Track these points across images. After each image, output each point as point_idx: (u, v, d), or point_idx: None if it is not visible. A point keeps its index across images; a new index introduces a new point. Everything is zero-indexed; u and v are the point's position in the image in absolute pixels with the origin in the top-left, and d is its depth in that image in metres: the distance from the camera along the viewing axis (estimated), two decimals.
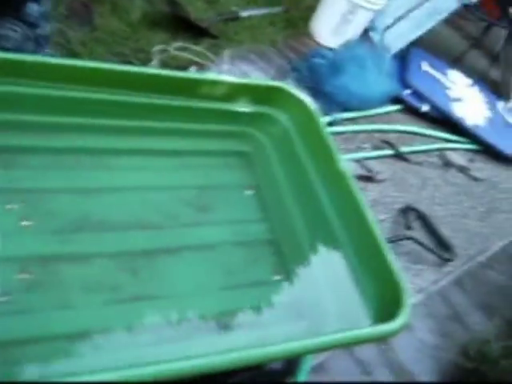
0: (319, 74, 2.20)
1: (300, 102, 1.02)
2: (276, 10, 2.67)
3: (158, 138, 0.94)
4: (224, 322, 0.68)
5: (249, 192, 0.95)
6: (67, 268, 0.69)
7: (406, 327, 0.68)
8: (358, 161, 2.01)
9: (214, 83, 0.92)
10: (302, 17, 2.74)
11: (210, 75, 0.94)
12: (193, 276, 0.76)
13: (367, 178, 1.95)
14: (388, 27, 2.64)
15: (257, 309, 0.72)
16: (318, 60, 2.29)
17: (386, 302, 0.71)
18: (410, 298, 0.71)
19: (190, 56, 1.94)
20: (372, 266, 0.78)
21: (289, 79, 2.06)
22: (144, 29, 2.12)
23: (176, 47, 2.01)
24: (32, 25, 1.18)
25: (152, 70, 0.91)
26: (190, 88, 0.94)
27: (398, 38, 2.56)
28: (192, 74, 0.86)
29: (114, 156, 0.90)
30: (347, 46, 2.32)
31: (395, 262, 0.77)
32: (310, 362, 0.83)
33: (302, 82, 2.14)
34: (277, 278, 0.80)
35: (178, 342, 0.64)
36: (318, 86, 2.13)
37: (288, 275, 0.80)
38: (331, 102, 2.11)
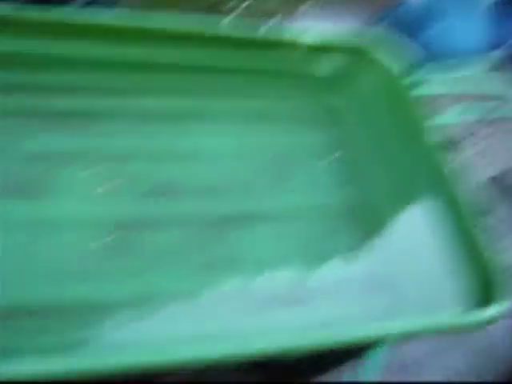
0: (412, 20, 2.03)
1: (383, 66, 0.94)
2: None
3: (238, 100, 0.92)
4: (298, 296, 0.66)
5: (329, 158, 0.91)
6: (147, 234, 0.70)
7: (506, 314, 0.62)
8: (442, 127, 1.87)
9: (291, 44, 0.87)
10: None
11: (287, 35, 0.88)
12: (267, 246, 0.74)
13: (451, 145, 1.81)
14: None
15: (333, 283, 0.70)
16: (406, 10, 2.11)
17: (481, 285, 0.65)
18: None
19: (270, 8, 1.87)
20: (463, 243, 0.71)
21: (379, 28, 1.92)
22: None
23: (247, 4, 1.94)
24: None
25: (223, 30, 0.87)
26: (265, 49, 0.90)
27: None
28: (266, 34, 0.82)
29: (195, 121, 0.89)
30: None
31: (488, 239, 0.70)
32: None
33: (392, 31, 1.99)
34: (357, 250, 0.76)
35: (251, 314, 0.63)
36: (411, 35, 1.97)
37: (369, 248, 0.76)
38: (426, 52, 1.95)
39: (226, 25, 0.91)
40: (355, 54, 0.90)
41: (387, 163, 0.84)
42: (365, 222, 0.80)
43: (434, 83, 1.93)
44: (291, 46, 0.85)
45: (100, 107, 0.79)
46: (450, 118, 1.87)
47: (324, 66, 0.91)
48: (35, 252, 0.62)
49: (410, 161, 0.81)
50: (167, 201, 0.74)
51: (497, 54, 2.13)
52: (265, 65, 0.86)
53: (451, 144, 1.80)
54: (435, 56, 2.01)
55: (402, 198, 0.82)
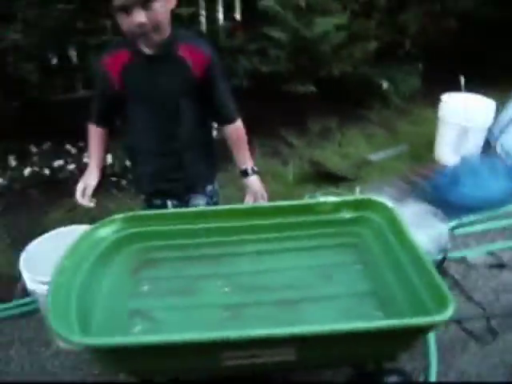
0: (441, 187, 2.63)
1: (386, 207, 1.55)
2: (401, 149, 3.25)
3: (293, 241, 1.55)
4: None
5: (357, 267, 1.46)
6: (253, 309, 1.29)
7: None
8: (490, 253, 2.30)
9: (324, 203, 1.55)
10: (426, 149, 3.25)
11: (318, 200, 1.57)
12: (317, 313, 1.28)
13: (500, 266, 2.21)
14: (504, 133, 2.99)
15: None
16: (439, 178, 2.74)
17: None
18: None
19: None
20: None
21: (410, 197, 2.53)
22: (297, 186, 2.88)
23: (321, 193, 2.69)
24: (211, 198, 1.92)
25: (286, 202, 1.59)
26: (313, 209, 1.56)
27: None
28: (306, 200, 1.51)
29: (272, 256, 1.52)
30: (463, 159, 2.74)
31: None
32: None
33: (425, 198, 2.59)
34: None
35: None
36: (441, 198, 2.55)
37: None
38: (454, 208, 2.49)
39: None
40: (368, 201, 1.55)
41: (397, 271, 1.37)
42: (376, 300, 1.32)
43: (468, 227, 2.43)
44: (325, 203, 1.53)
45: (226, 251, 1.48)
46: (472, 253, 2.28)
47: (349, 212, 1.56)
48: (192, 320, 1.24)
49: (411, 268, 1.33)
50: (261, 293, 1.34)
51: None
52: (312, 218, 1.54)
53: (501, 263, 2.16)
54: (468, 208, 2.54)
55: (408, 294, 1.31)
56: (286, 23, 2.79)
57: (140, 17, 1.37)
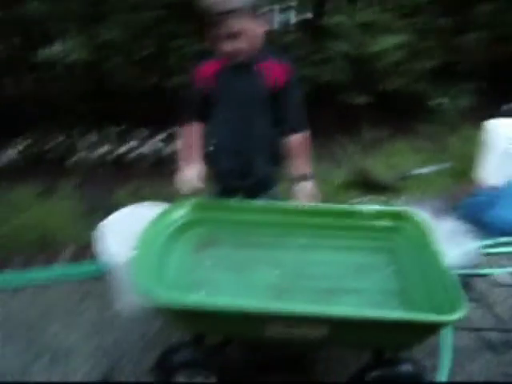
0: (479, 207, 2.78)
1: (417, 220, 1.77)
2: (444, 166, 3.39)
3: (336, 240, 1.79)
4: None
5: (388, 268, 1.68)
6: (295, 292, 1.56)
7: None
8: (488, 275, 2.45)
9: (367, 211, 1.78)
10: (469, 168, 3.36)
11: (361, 207, 1.80)
12: (347, 303, 1.53)
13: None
14: None
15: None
16: (479, 197, 2.89)
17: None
18: None
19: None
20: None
21: (448, 213, 2.70)
22: (343, 190, 3.10)
23: (366, 200, 2.90)
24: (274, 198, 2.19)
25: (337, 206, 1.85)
26: (355, 215, 1.80)
27: None
28: (351, 206, 1.76)
29: (316, 250, 1.77)
30: (503, 183, 2.88)
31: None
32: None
33: (462, 215, 2.75)
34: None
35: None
36: (477, 217, 2.71)
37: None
38: (490, 229, 2.65)
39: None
40: (404, 213, 1.78)
41: (418, 274, 1.59)
42: (402, 296, 1.55)
43: (498, 248, 2.59)
44: (369, 212, 1.76)
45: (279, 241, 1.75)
46: (498, 272, 2.44)
47: (388, 220, 1.80)
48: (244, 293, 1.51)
49: (431, 276, 1.55)
50: (303, 280, 1.60)
51: None
52: (354, 222, 1.77)
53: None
54: (501, 230, 2.69)
55: (432, 292, 1.53)
56: (349, 38, 3.00)
57: (231, 46, 1.67)
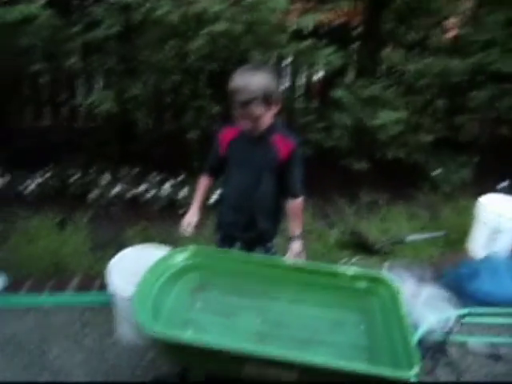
0: (461, 277, 2.96)
1: (390, 284, 1.96)
2: (438, 234, 3.58)
3: (317, 296, 1.98)
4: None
5: (360, 326, 1.86)
6: (274, 339, 1.73)
7: None
8: (492, 344, 2.59)
9: (346, 272, 1.98)
10: (460, 238, 3.56)
11: (342, 269, 2.00)
12: (318, 352, 1.70)
13: (496, 358, 2.51)
14: None
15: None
16: (462, 268, 3.07)
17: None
18: None
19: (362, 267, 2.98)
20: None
21: (432, 280, 2.88)
22: (335, 249, 3.30)
23: (355, 261, 3.10)
24: (270, 250, 2.44)
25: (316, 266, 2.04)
26: (337, 275, 2.00)
27: None
28: (333, 267, 1.97)
29: (298, 304, 1.96)
30: (487, 257, 3.07)
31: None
32: None
33: (446, 284, 2.92)
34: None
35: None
36: (460, 287, 2.88)
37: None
38: (470, 300, 2.81)
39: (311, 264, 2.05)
40: (378, 278, 1.96)
41: (385, 333, 1.77)
42: (369, 352, 1.73)
43: (476, 317, 2.74)
44: (345, 273, 1.96)
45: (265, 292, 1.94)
46: (473, 340, 2.59)
47: (364, 282, 1.97)
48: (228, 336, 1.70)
49: (396, 336, 1.73)
50: (282, 328, 1.79)
51: None
52: (335, 281, 1.97)
53: (497, 354, 2.43)
54: (482, 302, 2.85)
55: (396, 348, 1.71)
56: (352, 111, 3.30)
57: (247, 125, 2.02)
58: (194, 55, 2.90)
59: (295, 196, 2.20)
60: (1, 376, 2.14)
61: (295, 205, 2.22)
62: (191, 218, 2.24)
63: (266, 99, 1.97)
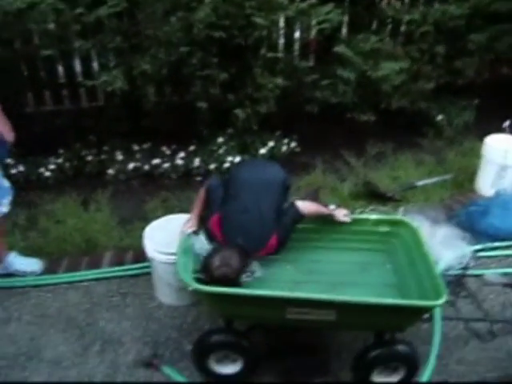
0: (473, 215, 3.10)
1: (410, 226, 2.10)
2: (446, 177, 3.70)
3: (342, 242, 2.13)
4: None
5: (386, 266, 2.02)
6: (308, 285, 1.88)
7: None
8: (506, 274, 2.76)
9: (368, 219, 2.12)
10: (468, 179, 3.67)
11: (364, 215, 2.15)
12: (352, 293, 1.86)
13: (511, 286, 2.68)
14: None
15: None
16: (473, 207, 3.21)
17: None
18: None
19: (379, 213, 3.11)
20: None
21: (446, 221, 3.02)
22: (349, 200, 3.42)
23: (370, 209, 3.23)
24: None
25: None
26: (359, 222, 2.14)
27: None
28: (358, 215, 2.11)
29: (326, 250, 2.12)
30: (497, 193, 3.19)
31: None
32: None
33: (459, 223, 3.06)
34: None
35: None
36: (472, 225, 3.03)
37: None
38: (483, 236, 2.97)
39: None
40: (399, 221, 2.11)
41: (410, 269, 1.92)
42: (398, 288, 1.88)
43: (490, 252, 2.88)
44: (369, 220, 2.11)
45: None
46: (489, 272, 2.73)
47: (385, 226, 2.12)
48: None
49: (421, 271, 1.88)
50: (314, 275, 1.94)
51: None
52: (358, 227, 2.11)
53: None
54: (495, 237, 2.99)
55: (421, 286, 1.86)
56: (354, 66, 3.36)
57: None
58: (200, 24, 2.95)
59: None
60: (59, 350, 2.31)
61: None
62: (188, 225, 2.27)
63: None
